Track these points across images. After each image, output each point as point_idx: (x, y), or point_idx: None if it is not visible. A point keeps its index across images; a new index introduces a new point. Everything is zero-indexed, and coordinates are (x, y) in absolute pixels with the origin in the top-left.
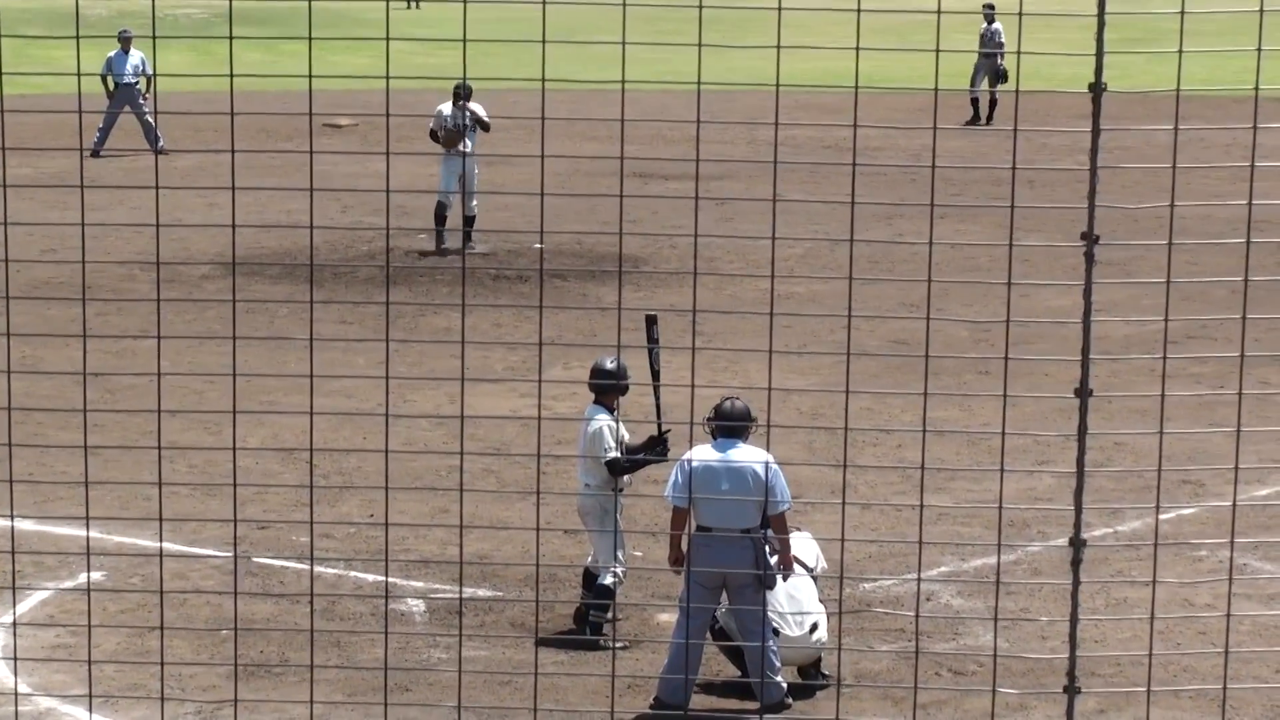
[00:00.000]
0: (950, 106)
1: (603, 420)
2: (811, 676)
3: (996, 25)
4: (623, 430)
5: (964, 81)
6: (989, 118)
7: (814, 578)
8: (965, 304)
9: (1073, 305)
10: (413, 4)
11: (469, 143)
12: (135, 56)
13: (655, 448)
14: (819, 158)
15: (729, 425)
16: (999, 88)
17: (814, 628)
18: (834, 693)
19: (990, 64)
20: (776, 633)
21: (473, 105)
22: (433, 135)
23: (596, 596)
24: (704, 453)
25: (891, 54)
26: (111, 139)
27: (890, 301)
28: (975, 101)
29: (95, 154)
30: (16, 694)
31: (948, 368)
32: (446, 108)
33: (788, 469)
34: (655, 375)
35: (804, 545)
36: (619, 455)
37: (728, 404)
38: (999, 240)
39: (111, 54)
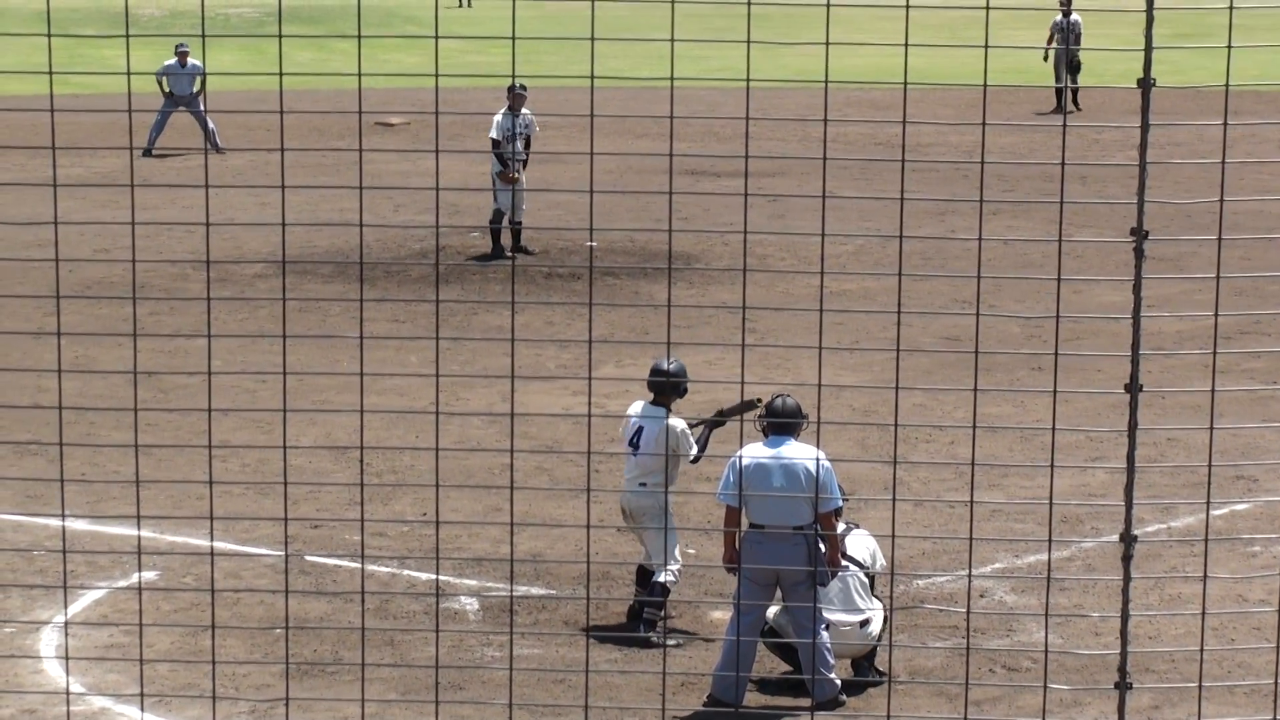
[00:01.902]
0: (1002, 102)
1: (677, 419)
2: (865, 672)
3: (1075, 17)
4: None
5: (1016, 78)
6: (1075, 104)
7: (869, 575)
8: (1018, 300)
9: (1125, 301)
10: (464, 2)
11: (522, 153)
12: (192, 70)
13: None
14: (871, 155)
15: (780, 422)
16: (1068, 79)
17: (866, 621)
18: (887, 689)
19: (1067, 55)
20: (829, 626)
21: (527, 112)
22: (495, 145)
23: (652, 594)
24: (755, 450)
25: (943, 50)
26: (164, 138)
27: (943, 298)
28: (1059, 93)
29: (147, 153)
30: (69, 693)
31: (1001, 364)
32: (501, 115)
33: (841, 466)
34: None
35: (859, 542)
36: (699, 455)
37: (778, 401)
38: (1051, 236)
39: (168, 63)
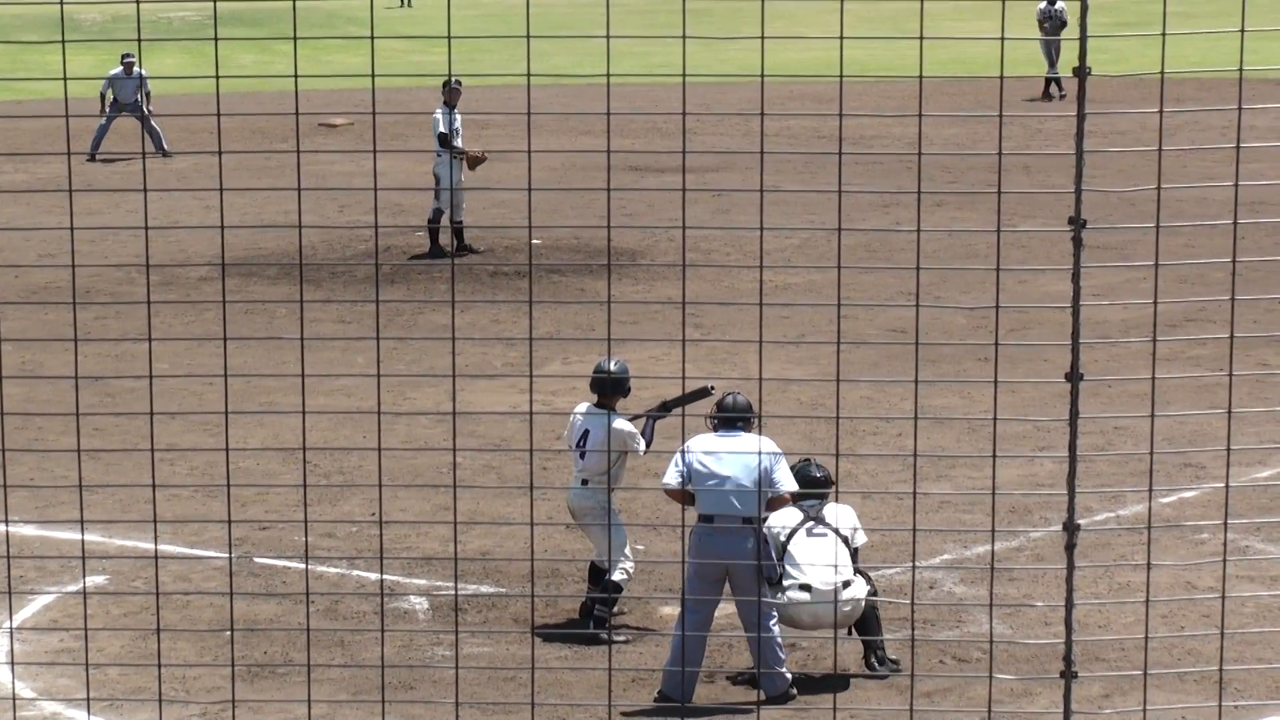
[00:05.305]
0: (944, 94)
1: (621, 420)
2: (882, 664)
3: (1061, 4)
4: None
5: (958, 69)
6: (1062, 92)
7: (852, 550)
8: (963, 291)
9: (1069, 290)
10: (405, 2)
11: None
12: (136, 78)
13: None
14: (815, 148)
15: (729, 418)
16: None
17: (846, 584)
18: (837, 683)
19: (1055, 44)
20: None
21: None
22: (442, 139)
23: (604, 591)
24: (705, 442)
25: (885, 43)
26: (108, 143)
27: (888, 290)
28: (1049, 82)
29: (91, 158)
30: (15, 699)
31: (947, 355)
32: (440, 112)
33: (788, 460)
34: (666, 408)
35: (845, 515)
36: (647, 447)
37: (729, 399)
38: (994, 227)
39: (113, 71)
